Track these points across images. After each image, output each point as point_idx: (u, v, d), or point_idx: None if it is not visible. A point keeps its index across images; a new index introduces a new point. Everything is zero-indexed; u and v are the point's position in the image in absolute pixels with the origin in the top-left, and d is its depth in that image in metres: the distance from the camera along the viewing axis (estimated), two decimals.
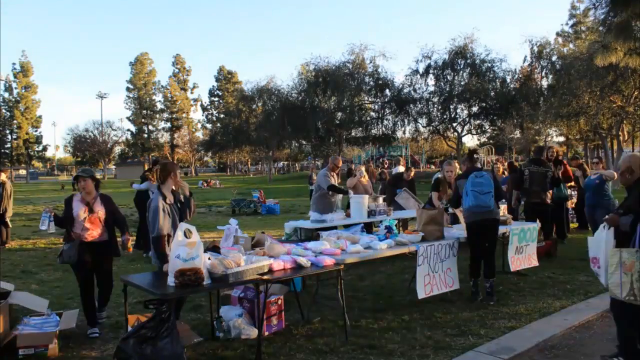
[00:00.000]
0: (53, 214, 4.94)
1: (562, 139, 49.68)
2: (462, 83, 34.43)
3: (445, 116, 36.18)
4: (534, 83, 34.62)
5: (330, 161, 8.61)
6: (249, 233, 8.10)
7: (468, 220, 5.75)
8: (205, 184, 39.50)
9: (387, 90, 37.35)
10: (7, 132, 61.51)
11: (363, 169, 9.22)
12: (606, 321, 5.05)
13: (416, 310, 5.32)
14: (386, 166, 26.60)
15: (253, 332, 4.56)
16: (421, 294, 5.22)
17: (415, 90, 36.54)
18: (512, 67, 35.29)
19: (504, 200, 9.92)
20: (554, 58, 33.12)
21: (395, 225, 6.23)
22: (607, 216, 3.99)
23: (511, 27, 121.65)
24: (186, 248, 3.79)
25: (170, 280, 3.80)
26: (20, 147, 61.44)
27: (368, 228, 7.08)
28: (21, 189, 35.48)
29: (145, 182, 9.24)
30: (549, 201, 8.24)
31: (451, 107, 35.53)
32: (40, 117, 63.79)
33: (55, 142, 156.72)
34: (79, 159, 70.60)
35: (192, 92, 70.91)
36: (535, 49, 33.17)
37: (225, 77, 69.49)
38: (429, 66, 35.43)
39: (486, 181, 5.69)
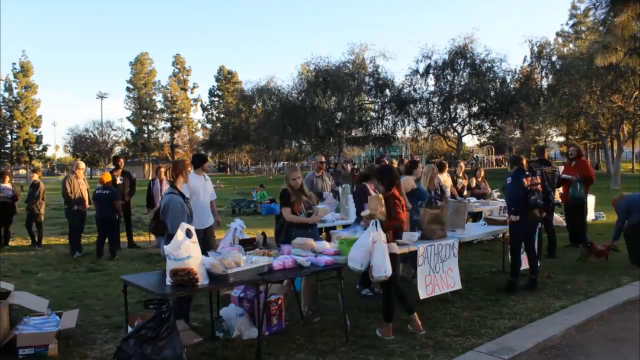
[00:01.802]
0: None
1: (562, 139, 49.72)
2: (462, 83, 34.42)
3: (445, 116, 36.18)
4: (534, 83, 34.61)
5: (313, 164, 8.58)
6: (249, 233, 8.10)
7: None
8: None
9: (387, 90, 37.32)
10: (7, 132, 61.50)
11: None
12: (606, 321, 5.05)
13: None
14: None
15: (253, 332, 4.55)
16: (423, 294, 5.21)
17: (415, 90, 36.55)
18: (512, 67, 35.32)
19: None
20: (554, 58, 33.13)
21: None
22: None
23: (511, 27, 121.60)
24: (179, 248, 3.79)
25: (168, 280, 3.82)
26: (21, 147, 61.46)
27: None
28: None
29: None
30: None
31: (451, 107, 35.53)
32: (40, 117, 63.77)
33: (55, 142, 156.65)
34: (79, 159, 70.53)
35: (192, 92, 70.87)
36: (535, 49, 33.17)
37: (225, 77, 69.44)
38: (429, 66, 35.42)
39: None
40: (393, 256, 4.59)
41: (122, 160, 10.64)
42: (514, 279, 6.12)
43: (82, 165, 9.63)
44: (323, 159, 8.37)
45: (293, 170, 5.62)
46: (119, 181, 9.85)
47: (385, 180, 4.90)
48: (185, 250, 3.79)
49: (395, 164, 11.80)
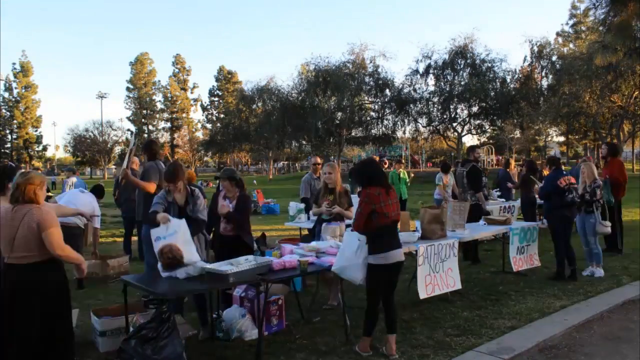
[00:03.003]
0: None
1: (562, 139, 49.77)
2: (462, 83, 34.42)
3: (445, 116, 36.18)
4: (534, 83, 34.62)
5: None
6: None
7: None
8: (205, 184, 39.53)
9: (387, 90, 37.33)
10: (7, 132, 61.57)
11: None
12: (606, 321, 5.05)
13: (416, 310, 5.32)
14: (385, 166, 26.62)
15: (255, 334, 4.54)
16: (422, 294, 5.21)
17: (415, 90, 36.56)
18: (512, 67, 35.31)
19: (503, 200, 9.89)
20: (554, 58, 33.15)
21: None
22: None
23: (511, 27, 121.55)
24: (166, 227, 3.95)
25: (159, 266, 3.91)
26: (20, 147, 61.53)
27: None
28: None
29: None
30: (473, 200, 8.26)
31: (451, 107, 35.53)
32: (40, 117, 63.89)
33: (55, 142, 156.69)
34: (79, 159, 70.66)
35: (192, 92, 70.92)
36: (535, 49, 33.19)
37: (225, 77, 69.43)
38: (429, 66, 35.43)
39: None
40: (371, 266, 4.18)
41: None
42: (560, 269, 6.61)
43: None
44: (318, 160, 8.27)
45: (327, 166, 5.74)
46: None
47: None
48: (170, 228, 3.86)
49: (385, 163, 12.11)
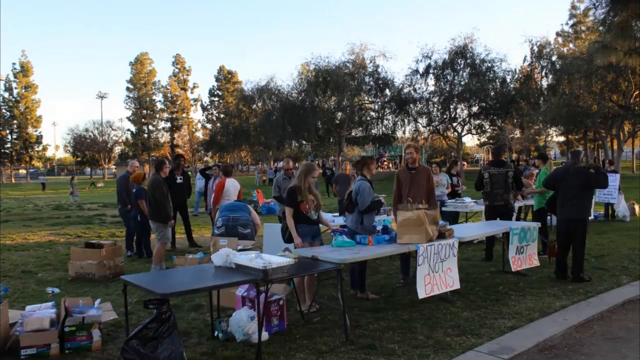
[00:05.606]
0: None
1: (562, 138, 49.75)
2: (462, 83, 34.42)
3: (445, 116, 36.19)
4: (534, 83, 34.61)
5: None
6: None
7: None
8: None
9: (387, 90, 37.35)
10: (7, 132, 61.59)
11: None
12: (606, 321, 5.06)
13: (416, 310, 5.32)
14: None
15: (263, 336, 4.46)
16: (421, 293, 5.22)
17: (415, 90, 36.56)
18: (512, 67, 35.29)
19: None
20: (554, 58, 33.14)
21: None
22: None
23: (511, 27, 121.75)
24: None
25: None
26: (21, 147, 61.55)
27: None
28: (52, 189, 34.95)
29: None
30: (512, 202, 8.00)
31: (451, 107, 35.53)
32: (40, 117, 63.94)
33: (55, 142, 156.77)
34: (79, 159, 70.71)
35: (192, 92, 70.94)
36: (535, 48, 33.19)
37: (225, 77, 69.45)
38: (429, 66, 35.43)
39: None
40: None
41: (183, 160, 10.32)
42: None
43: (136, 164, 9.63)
44: (290, 165, 8.68)
45: (314, 168, 5.62)
46: (178, 180, 9.77)
47: None
48: None
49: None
